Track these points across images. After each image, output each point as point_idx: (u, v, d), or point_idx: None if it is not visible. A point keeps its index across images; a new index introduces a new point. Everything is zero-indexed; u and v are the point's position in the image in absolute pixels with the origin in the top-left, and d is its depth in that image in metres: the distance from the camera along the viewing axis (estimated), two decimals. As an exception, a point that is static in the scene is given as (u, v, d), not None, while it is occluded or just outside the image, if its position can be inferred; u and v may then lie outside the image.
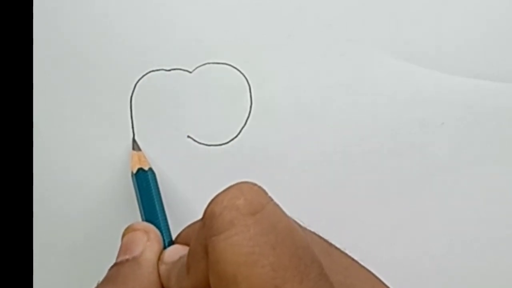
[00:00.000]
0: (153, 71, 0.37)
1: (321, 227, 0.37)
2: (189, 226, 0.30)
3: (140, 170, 0.34)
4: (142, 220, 0.32)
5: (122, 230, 0.31)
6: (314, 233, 0.27)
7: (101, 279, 0.36)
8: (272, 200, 0.24)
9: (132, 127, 0.37)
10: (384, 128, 0.37)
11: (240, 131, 0.37)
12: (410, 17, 0.38)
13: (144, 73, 0.37)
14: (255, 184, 0.25)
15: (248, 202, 0.24)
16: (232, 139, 0.37)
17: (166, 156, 0.36)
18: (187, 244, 0.28)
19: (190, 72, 0.37)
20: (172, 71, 0.37)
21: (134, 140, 0.36)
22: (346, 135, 0.37)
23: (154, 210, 0.32)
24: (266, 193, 0.25)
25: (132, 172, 0.34)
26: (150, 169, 0.34)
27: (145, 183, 0.33)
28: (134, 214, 0.34)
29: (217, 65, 0.37)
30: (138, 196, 0.33)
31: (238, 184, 0.25)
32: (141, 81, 0.37)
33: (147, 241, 0.29)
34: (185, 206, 0.36)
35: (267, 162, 0.36)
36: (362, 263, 0.29)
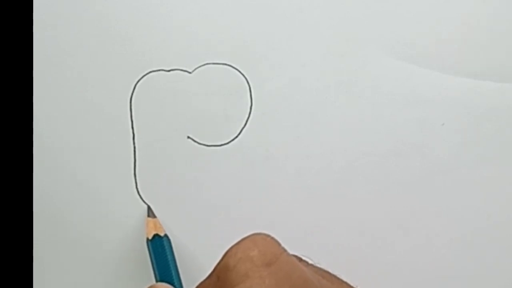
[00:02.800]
0: (153, 71, 0.37)
1: (321, 227, 0.37)
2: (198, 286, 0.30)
3: (156, 236, 0.34)
4: (156, 281, 0.33)
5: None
6: (324, 271, 0.27)
7: (101, 279, 0.36)
8: (285, 250, 0.25)
9: (132, 127, 0.37)
10: (384, 128, 0.37)
11: (241, 131, 0.37)
12: (410, 17, 0.38)
13: (144, 73, 0.37)
14: (268, 235, 0.25)
15: (262, 253, 0.24)
16: (233, 140, 0.37)
17: (166, 157, 0.37)
18: None
19: (190, 73, 0.37)
20: (171, 72, 0.37)
21: (149, 208, 0.36)
22: (346, 135, 0.37)
23: (169, 274, 0.33)
24: (279, 244, 0.25)
25: (147, 238, 0.35)
26: (166, 235, 0.35)
27: (160, 249, 0.34)
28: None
29: (217, 66, 0.37)
30: (154, 261, 0.34)
31: (251, 236, 0.25)
32: (141, 81, 0.37)
33: None
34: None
35: (267, 163, 0.36)
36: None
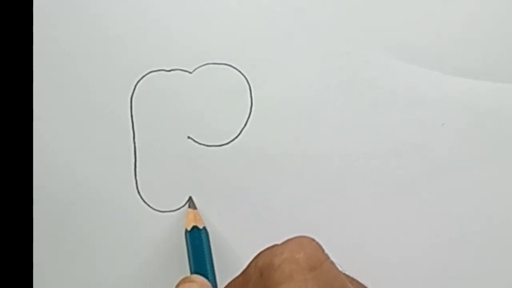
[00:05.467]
0: (153, 71, 0.37)
1: (321, 227, 0.37)
2: (229, 285, 0.30)
3: (195, 228, 0.34)
4: (191, 273, 0.33)
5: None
6: (352, 279, 0.27)
7: (101, 279, 0.36)
8: (329, 257, 0.25)
9: (132, 127, 0.37)
10: (384, 128, 0.37)
11: (241, 131, 0.37)
12: (410, 18, 0.38)
13: (144, 73, 0.37)
14: (314, 240, 0.25)
15: (307, 256, 0.24)
16: (233, 140, 0.37)
17: (166, 157, 0.37)
18: None
19: (190, 73, 0.37)
20: (172, 72, 0.37)
21: (190, 198, 0.36)
22: (346, 136, 0.37)
23: (204, 267, 0.33)
24: (323, 250, 0.25)
25: (186, 229, 0.35)
26: (204, 228, 0.35)
27: (198, 241, 0.34)
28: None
29: (217, 66, 0.37)
30: (190, 252, 0.34)
31: (297, 238, 0.25)
32: (141, 81, 0.37)
33: None
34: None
35: (267, 163, 0.37)
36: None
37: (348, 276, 0.27)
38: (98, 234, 0.36)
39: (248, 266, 0.26)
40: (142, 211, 0.36)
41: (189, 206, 0.36)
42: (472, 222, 0.37)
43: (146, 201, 0.36)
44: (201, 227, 0.35)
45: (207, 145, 0.37)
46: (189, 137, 0.37)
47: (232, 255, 0.36)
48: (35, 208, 0.36)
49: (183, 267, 0.35)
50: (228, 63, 0.37)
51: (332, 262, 0.25)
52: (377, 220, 0.37)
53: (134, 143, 0.36)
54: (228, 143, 0.37)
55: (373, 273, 0.36)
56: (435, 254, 0.36)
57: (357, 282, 0.28)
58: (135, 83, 0.37)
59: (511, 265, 0.37)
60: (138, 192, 0.36)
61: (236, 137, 0.37)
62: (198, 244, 0.34)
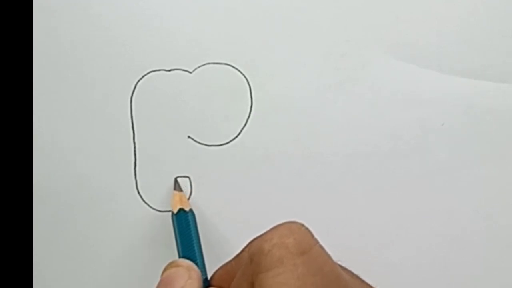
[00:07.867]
0: (153, 71, 0.37)
1: (321, 227, 0.37)
2: (220, 268, 0.30)
3: (181, 210, 0.34)
4: (179, 257, 0.33)
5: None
6: (355, 276, 0.28)
7: (100, 279, 0.36)
8: (318, 242, 0.25)
9: (132, 127, 0.37)
10: (384, 128, 0.37)
11: (241, 131, 0.37)
12: (410, 17, 0.38)
13: (144, 73, 0.37)
14: (303, 225, 0.25)
15: (297, 241, 0.24)
16: (233, 140, 0.37)
17: (166, 157, 0.37)
18: (220, 286, 0.29)
19: (190, 73, 0.37)
20: (172, 72, 0.37)
21: (176, 180, 0.36)
22: (346, 136, 0.37)
23: (192, 250, 0.33)
24: (312, 235, 0.25)
25: (172, 212, 0.34)
26: (191, 210, 0.35)
27: (185, 224, 0.34)
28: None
29: (217, 66, 0.37)
30: (177, 235, 0.34)
31: (287, 223, 0.25)
32: (141, 81, 0.37)
33: (188, 279, 0.29)
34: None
35: (267, 163, 0.37)
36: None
37: (341, 267, 0.27)
38: (98, 234, 0.36)
39: (242, 251, 0.27)
40: (142, 211, 0.36)
41: (175, 188, 0.36)
42: (472, 222, 0.37)
43: (146, 201, 0.36)
44: (187, 209, 0.34)
45: (207, 145, 0.37)
46: (189, 137, 0.37)
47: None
48: (35, 208, 0.36)
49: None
50: (228, 63, 0.37)
51: (321, 247, 0.25)
52: (377, 219, 0.37)
53: (134, 143, 0.36)
54: (228, 143, 0.37)
55: (372, 273, 0.36)
56: (435, 253, 0.37)
57: (350, 272, 0.28)
58: (135, 83, 0.37)
59: (511, 265, 0.37)
60: (138, 192, 0.36)
61: (236, 137, 0.37)
62: (185, 227, 0.33)
